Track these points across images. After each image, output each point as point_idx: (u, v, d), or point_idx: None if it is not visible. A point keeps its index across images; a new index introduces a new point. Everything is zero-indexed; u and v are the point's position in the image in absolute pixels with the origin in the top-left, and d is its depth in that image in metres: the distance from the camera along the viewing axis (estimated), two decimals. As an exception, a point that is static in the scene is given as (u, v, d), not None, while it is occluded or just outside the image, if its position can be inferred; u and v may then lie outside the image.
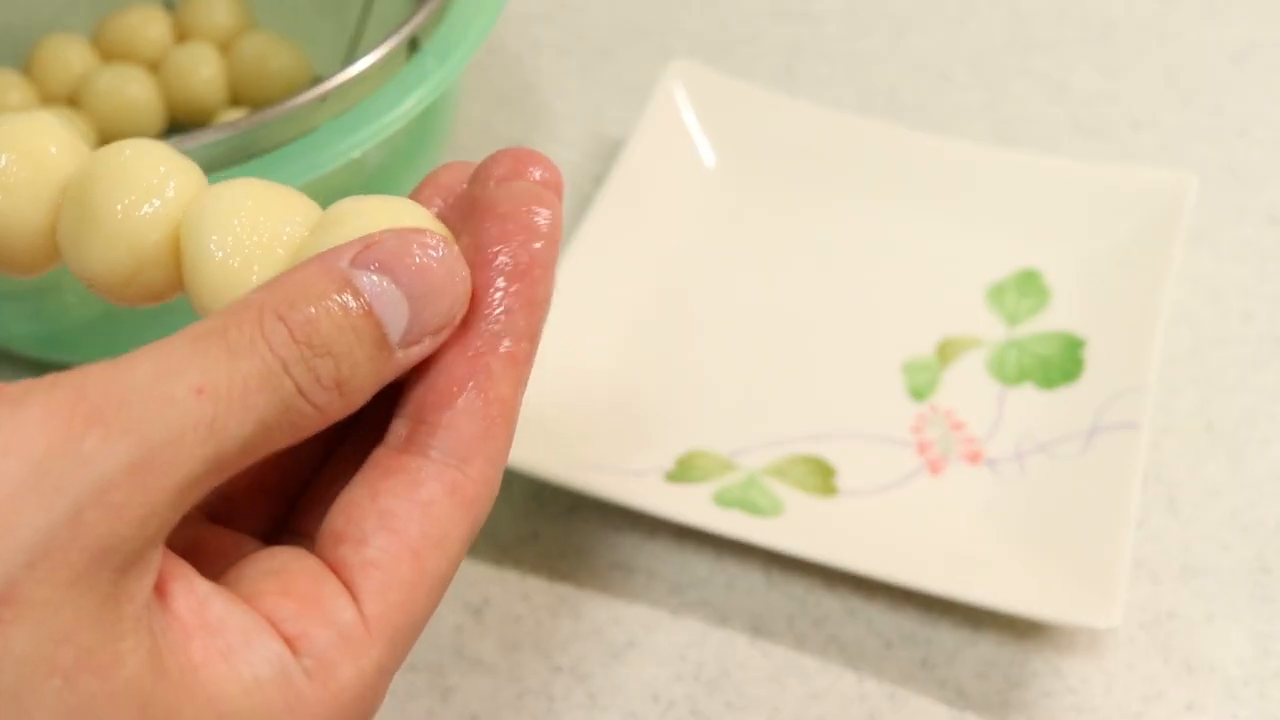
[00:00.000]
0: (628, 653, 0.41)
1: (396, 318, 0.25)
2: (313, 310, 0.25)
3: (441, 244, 0.26)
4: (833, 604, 0.42)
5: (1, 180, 0.28)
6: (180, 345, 0.24)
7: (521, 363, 0.27)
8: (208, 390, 0.23)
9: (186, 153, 0.37)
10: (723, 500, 0.43)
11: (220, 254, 0.27)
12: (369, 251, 0.25)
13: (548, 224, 0.27)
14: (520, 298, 0.27)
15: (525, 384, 0.28)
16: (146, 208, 0.27)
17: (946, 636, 0.42)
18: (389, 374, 0.26)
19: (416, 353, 0.26)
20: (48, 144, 0.28)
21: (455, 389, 0.26)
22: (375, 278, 0.25)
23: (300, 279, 0.25)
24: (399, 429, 0.26)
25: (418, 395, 0.26)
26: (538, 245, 0.27)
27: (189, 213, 0.28)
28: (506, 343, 0.27)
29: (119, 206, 0.27)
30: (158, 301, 0.29)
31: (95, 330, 0.44)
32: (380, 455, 0.26)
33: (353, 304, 0.25)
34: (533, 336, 0.27)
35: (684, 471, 0.44)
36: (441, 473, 0.26)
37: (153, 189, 0.28)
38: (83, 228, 0.28)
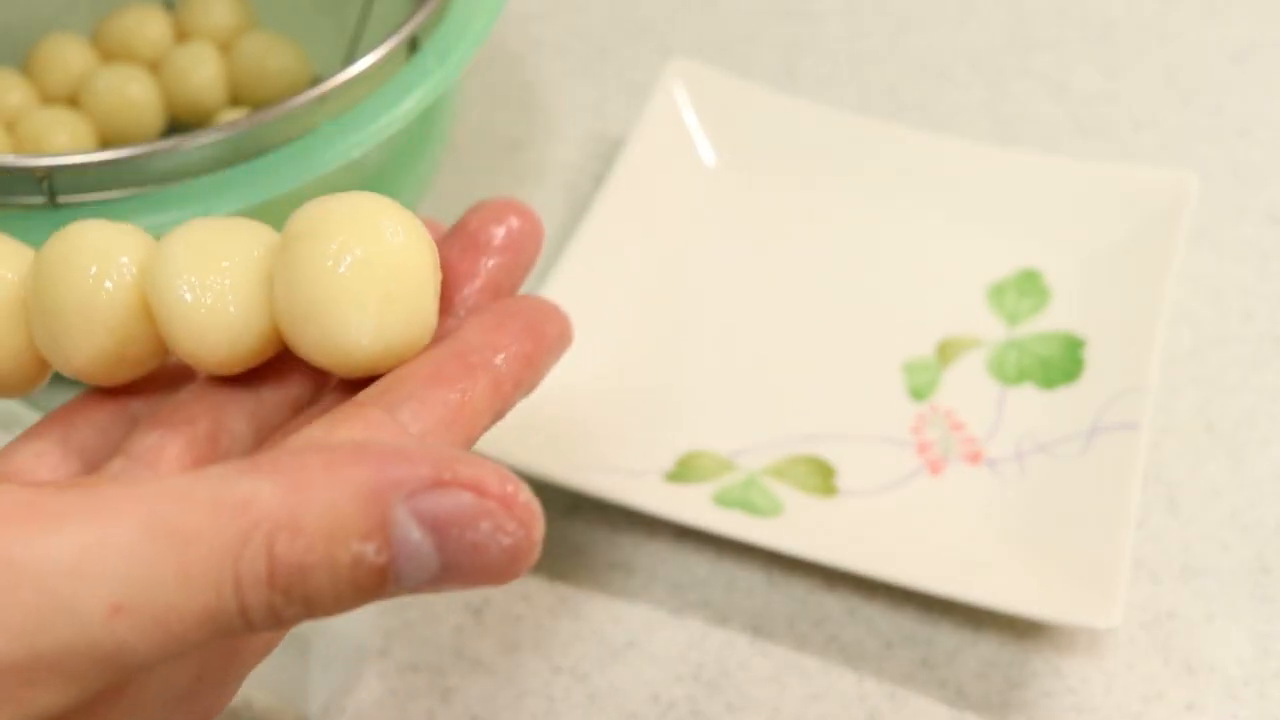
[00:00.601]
0: (628, 653, 0.41)
1: (415, 573, 0.21)
2: (317, 560, 0.20)
3: (518, 524, 0.21)
4: (833, 604, 0.42)
5: None
6: (123, 531, 0.20)
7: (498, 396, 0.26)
8: (125, 612, 0.19)
9: (187, 152, 0.38)
10: (723, 500, 0.43)
11: (190, 296, 0.26)
12: (430, 498, 0.20)
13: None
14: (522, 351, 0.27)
15: (495, 417, 0.26)
16: (107, 284, 0.26)
17: (947, 636, 0.42)
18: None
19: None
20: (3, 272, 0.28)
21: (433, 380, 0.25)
22: (419, 535, 0.20)
23: (329, 501, 0.20)
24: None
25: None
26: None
27: (148, 271, 0.27)
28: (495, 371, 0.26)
29: (78, 296, 0.27)
30: (155, 365, 0.28)
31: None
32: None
33: (371, 559, 0.20)
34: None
35: (684, 472, 0.44)
36: (394, 424, 0.24)
37: (105, 265, 0.27)
38: (55, 329, 0.27)
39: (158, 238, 0.27)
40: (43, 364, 0.28)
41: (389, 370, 0.26)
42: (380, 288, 0.26)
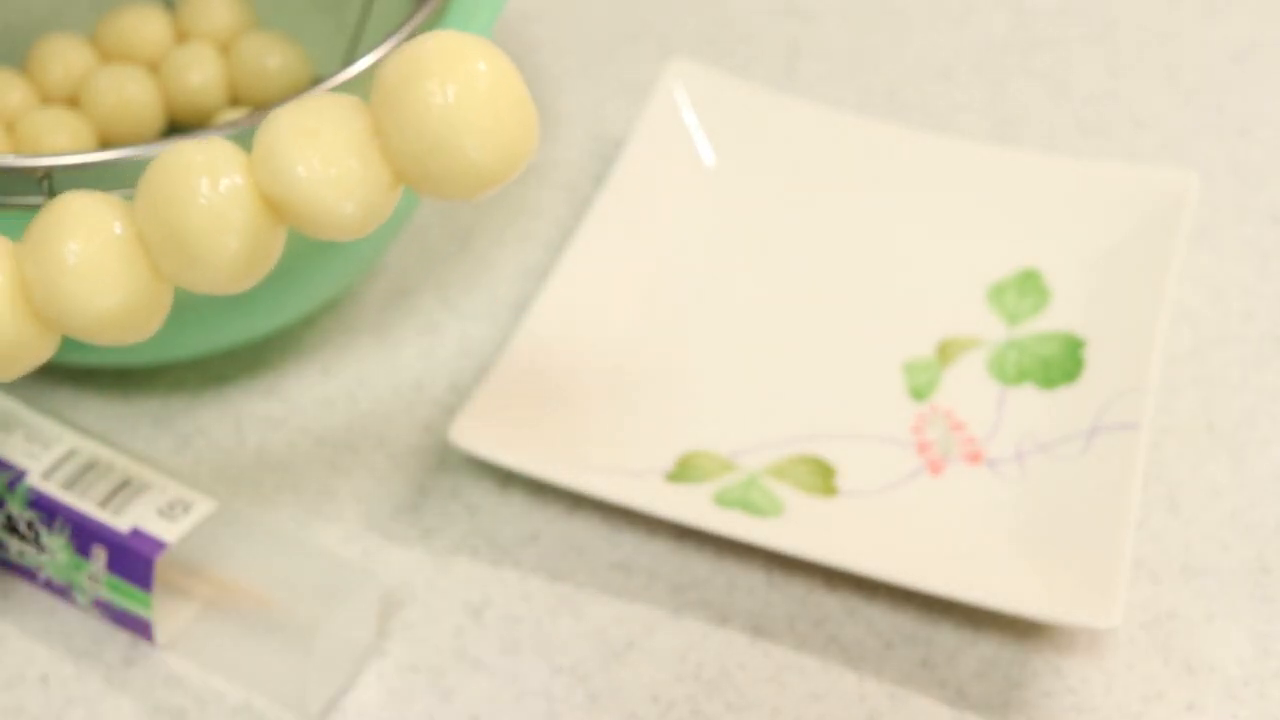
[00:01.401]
0: (628, 653, 0.41)
1: None
2: None
3: None
4: (833, 604, 0.42)
5: (79, 267, 0.29)
6: None
7: None
8: None
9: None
10: (723, 500, 0.43)
11: (306, 170, 0.28)
12: None
13: None
14: None
15: None
16: (222, 188, 0.28)
17: (947, 637, 0.42)
18: None
19: None
20: (110, 221, 0.29)
21: None
22: None
23: None
24: None
25: None
26: None
27: (260, 164, 0.29)
28: None
29: (199, 210, 0.28)
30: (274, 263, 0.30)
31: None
32: None
33: None
34: None
35: (684, 472, 0.44)
36: None
37: (214, 174, 0.28)
38: (184, 251, 0.29)
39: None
40: (165, 297, 0.30)
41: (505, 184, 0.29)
42: (490, 109, 0.28)
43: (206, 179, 0.29)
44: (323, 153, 0.28)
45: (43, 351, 0.30)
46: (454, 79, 0.28)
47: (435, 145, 0.28)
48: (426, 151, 0.28)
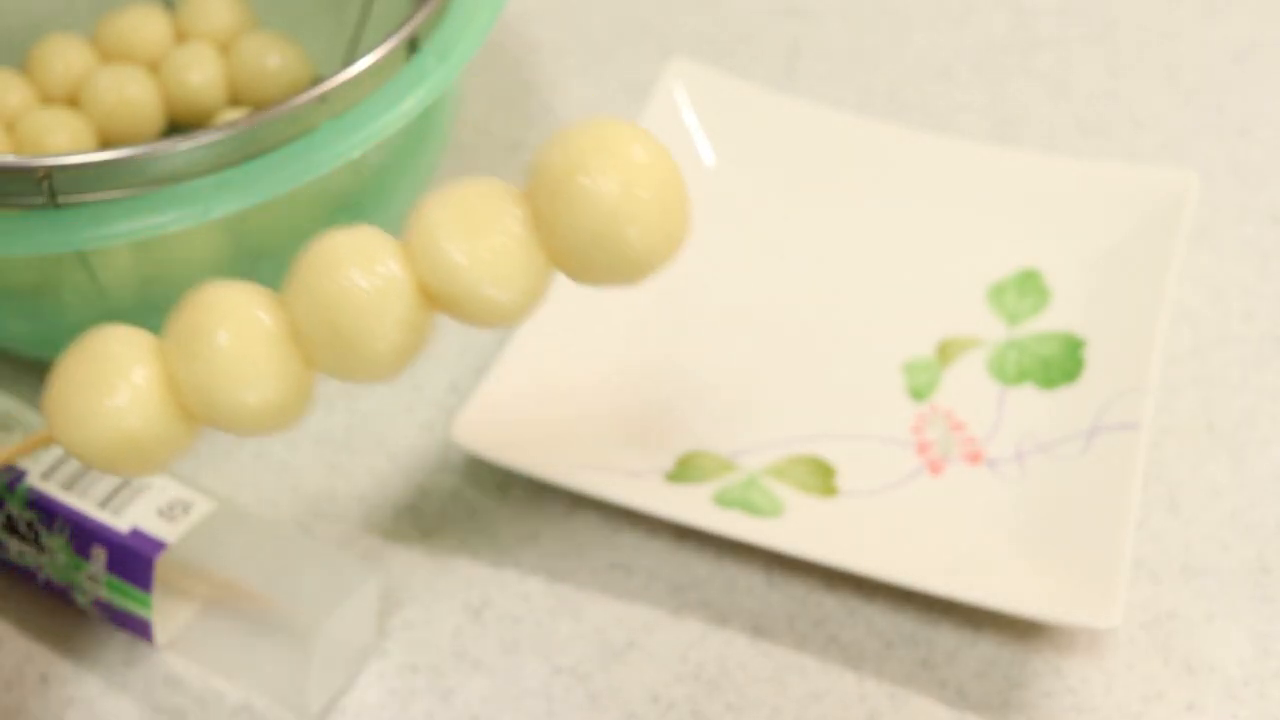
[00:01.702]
0: (628, 653, 0.41)
1: None
2: None
3: None
4: (833, 604, 0.42)
5: (228, 362, 0.29)
6: None
7: None
8: None
9: (188, 152, 0.38)
10: (723, 500, 0.43)
11: (466, 259, 0.28)
12: None
13: None
14: None
15: None
16: (383, 282, 0.28)
17: (947, 637, 0.42)
18: None
19: None
20: (258, 312, 0.29)
21: None
22: None
23: None
24: None
25: None
26: None
27: (419, 255, 0.28)
28: None
29: (360, 303, 0.28)
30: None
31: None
32: None
33: None
34: None
35: (684, 472, 0.44)
36: None
37: (369, 265, 0.28)
38: (346, 344, 0.29)
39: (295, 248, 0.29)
40: (310, 390, 0.30)
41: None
42: (650, 199, 0.28)
43: (362, 270, 0.28)
44: (483, 244, 0.28)
45: (187, 444, 0.30)
46: (614, 171, 0.28)
47: (598, 237, 0.28)
48: (589, 243, 0.28)
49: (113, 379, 0.29)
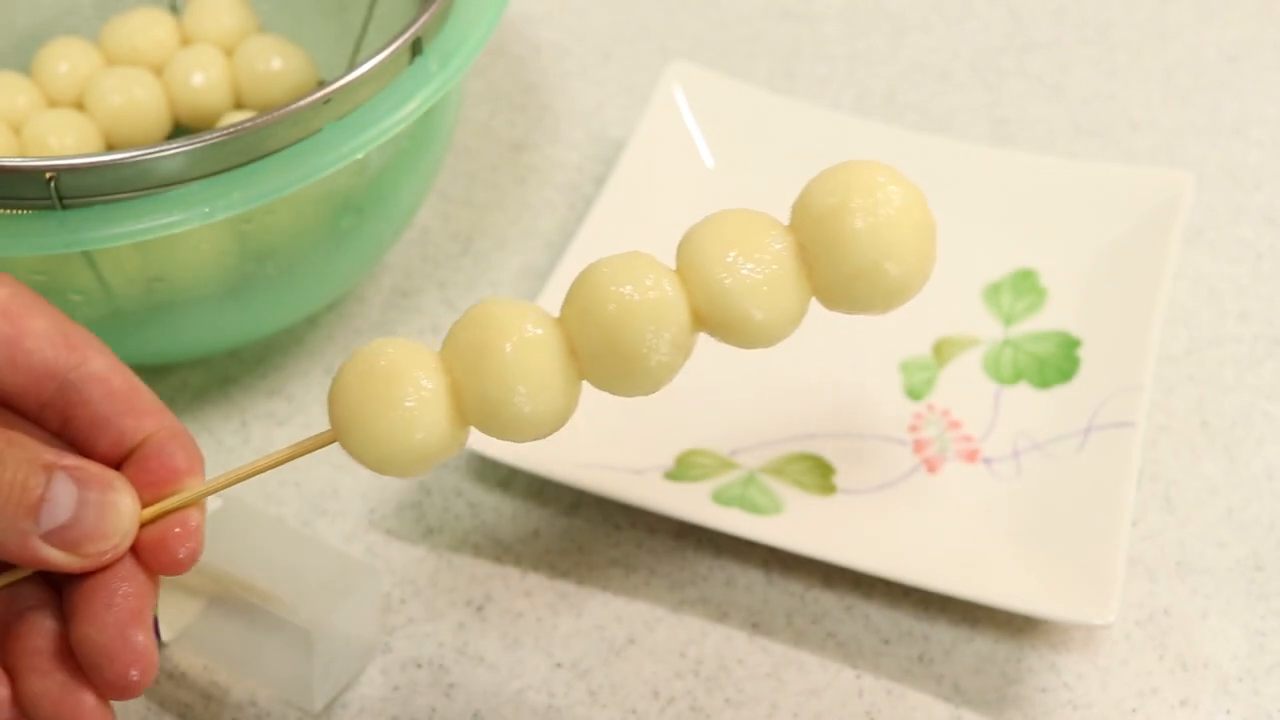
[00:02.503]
0: (628, 649, 0.42)
1: (55, 512, 0.28)
2: None
3: (129, 520, 0.29)
4: (831, 601, 0.43)
5: (507, 373, 0.30)
6: None
7: None
8: None
9: (193, 155, 0.38)
10: (722, 498, 0.43)
11: (733, 282, 0.30)
12: (80, 471, 0.29)
13: None
14: None
15: None
16: (654, 295, 0.30)
17: (943, 633, 0.42)
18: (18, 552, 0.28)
19: (51, 556, 0.28)
20: (538, 328, 0.31)
21: None
22: (68, 488, 0.28)
23: (24, 445, 0.28)
24: None
25: None
26: None
27: (693, 275, 0.31)
28: None
29: (638, 319, 0.30)
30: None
31: (99, 330, 0.44)
32: None
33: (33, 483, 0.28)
34: None
35: (683, 470, 0.44)
36: None
37: (639, 280, 0.30)
38: (620, 358, 0.30)
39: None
40: (577, 401, 0.31)
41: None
42: (906, 234, 0.31)
43: (640, 291, 0.30)
44: (753, 271, 0.30)
45: (458, 448, 0.31)
46: (878, 211, 0.31)
47: (860, 271, 0.31)
48: (851, 276, 0.31)
49: (402, 392, 0.30)
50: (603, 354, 0.30)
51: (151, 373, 0.48)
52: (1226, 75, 0.60)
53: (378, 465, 0.31)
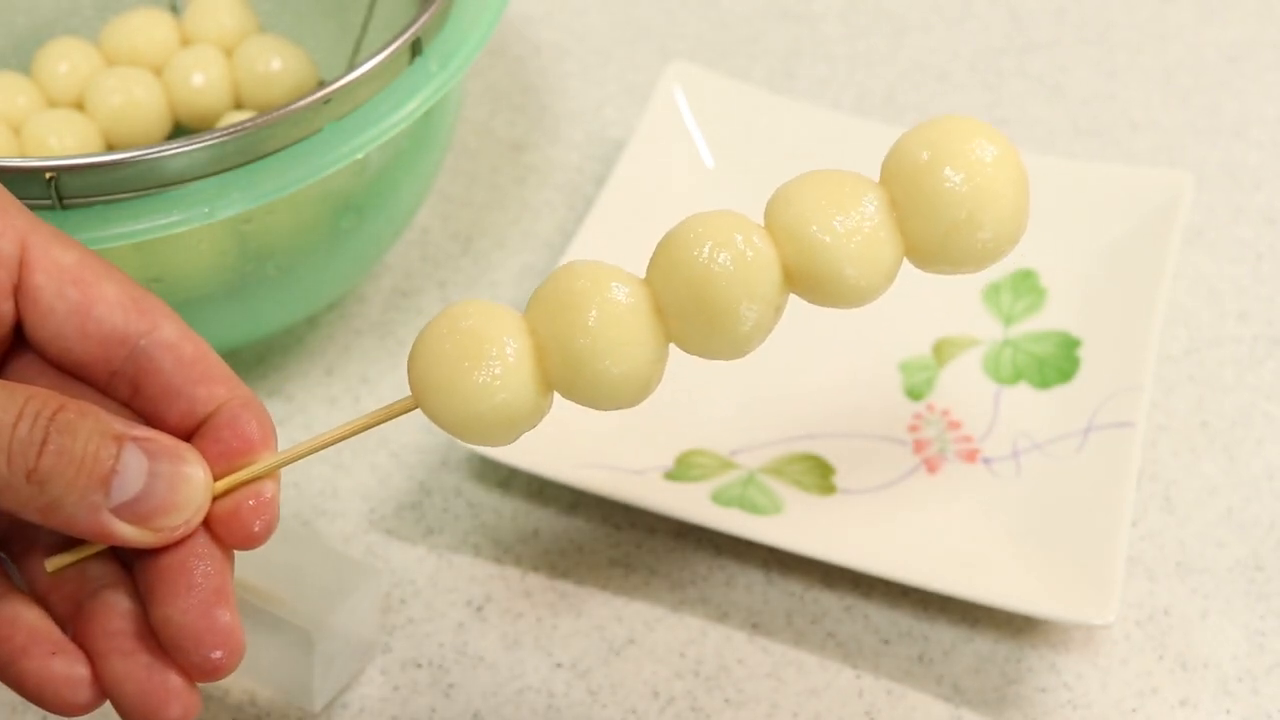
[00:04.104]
0: (628, 649, 0.42)
1: (125, 485, 0.27)
2: (65, 424, 0.27)
3: (201, 485, 0.28)
4: (831, 601, 0.43)
5: (595, 334, 0.30)
6: None
7: None
8: None
9: (193, 155, 0.38)
10: (722, 499, 0.43)
11: (832, 239, 0.30)
12: (151, 444, 0.28)
13: None
14: None
15: None
16: (750, 253, 0.30)
17: (943, 633, 0.42)
18: (91, 525, 0.27)
19: (121, 530, 0.28)
20: (625, 289, 0.30)
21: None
22: (140, 460, 0.28)
23: (95, 415, 0.28)
24: None
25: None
26: None
27: (787, 233, 0.30)
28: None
29: (728, 278, 0.29)
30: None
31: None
32: None
33: (105, 454, 0.27)
34: None
35: (683, 470, 0.44)
36: None
37: (727, 240, 0.30)
38: (711, 320, 0.30)
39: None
40: (664, 366, 0.31)
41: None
42: (1001, 192, 0.30)
43: (731, 248, 0.29)
44: (846, 226, 0.30)
45: (542, 416, 0.31)
46: (974, 167, 0.30)
47: (955, 227, 0.30)
48: (946, 233, 0.30)
49: (486, 353, 0.29)
50: (693, 314, 0.30)
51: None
52: (1226, 75, 0.60)
53: (458, 429, 0.30)
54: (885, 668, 0.41)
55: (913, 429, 0.46)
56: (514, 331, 0.30)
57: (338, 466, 0.46)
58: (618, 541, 0.44)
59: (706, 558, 0.44)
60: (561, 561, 0.44)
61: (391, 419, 0.31)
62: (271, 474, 0.29)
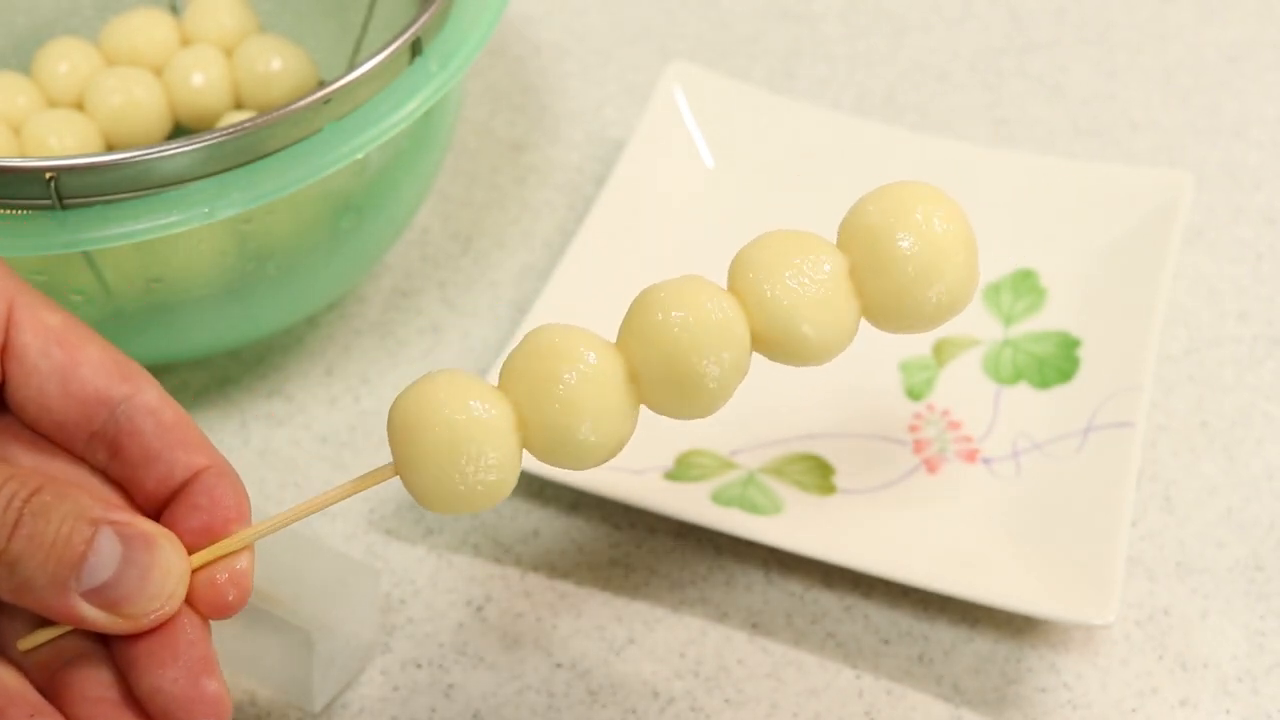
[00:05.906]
0: (628, 649, 0.42)
1: (97, 571, 0.28)
2: (47, 502, 0.27)
3: (181, 578, 0.29)
4: (831, 601, 0.43)
5: (572, 404, 0.30)
6: None
7: None
8: None
9: (193, 155, 0.38)
10: (722, 499, 0.43)
11: (785, 298, 0.31)
12: (127, 529, 0.28)
13: None
14: None
15: None
16: (717, 318, 0.31)
17: (943, 633, 0.42)
18: (59, 608, 0.28)
19: (90, 615, 0.28)
20: (599, 357, 0.31)
21: None
22: (113, 546, 0.28)
23: (73, 499, 0.28)
24: None
25: None
26: None
27: (751, 299, 0.31)
28: None
29: (702, 344, 0.31)
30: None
31: (99, 330, 0.45)
32: None
33: (78, 536, 0.27)
34: None
35: (683, 470, 0.44)
36: None
37: (709, 303, 0.31)
38: (684, 383, 0.31)
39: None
40: (634, 427, 0.32)
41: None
42: (951, 260, 0.32)
43: (696, 313, 0.31)
44: (812, 292, 0.31)
45: (514, 481, 0.31)
46: (922, 231, 0.31)
47: (907, 288, 0.31)
48: (898, 296, 0.32)
49: (477, 454, 0.30)
50: (663, 378, 0.31)
51: (151, 373, 0.48)
52: (1226, 75, 0.60)
53: (442, 509, 0.31)
54: (885, 668, 0.41)
55: (913, 429, 0.46)
56: (502, 425, 0.30)
57: (338, 467, 0.46)
58: (618, 541, 0.44)
59: (706, 558, 0.44)
60: (561, 561, 0.44)
61: (371, 487, 0.31)
62: (246, 546, 0.30)
